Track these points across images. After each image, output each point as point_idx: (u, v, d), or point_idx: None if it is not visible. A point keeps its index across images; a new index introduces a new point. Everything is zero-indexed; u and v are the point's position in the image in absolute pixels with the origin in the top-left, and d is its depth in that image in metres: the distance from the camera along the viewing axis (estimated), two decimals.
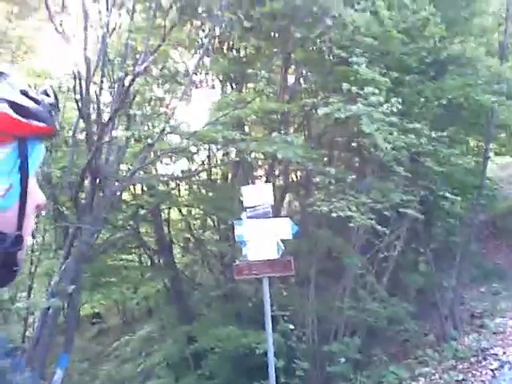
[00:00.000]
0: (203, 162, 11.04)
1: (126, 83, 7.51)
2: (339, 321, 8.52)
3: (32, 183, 0.87)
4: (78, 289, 7.72)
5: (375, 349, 8.59)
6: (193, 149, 9.79)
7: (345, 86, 7.23)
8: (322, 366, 8.47)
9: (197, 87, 10.96)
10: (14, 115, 0.82)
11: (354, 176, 7.75)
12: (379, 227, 7.66)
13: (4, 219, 0.85)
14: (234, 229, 6.76)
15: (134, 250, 11.86)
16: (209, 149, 10.10)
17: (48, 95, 0.91)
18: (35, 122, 0.85)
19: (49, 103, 0.90)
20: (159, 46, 7.51)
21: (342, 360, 8.26)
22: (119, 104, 7.34)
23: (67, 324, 8.39)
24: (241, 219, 6.69)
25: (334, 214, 7.45)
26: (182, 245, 12.34)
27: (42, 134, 0.88)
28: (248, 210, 6.62)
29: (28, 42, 10.63)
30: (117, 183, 7.93)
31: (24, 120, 0.84)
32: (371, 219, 7.60)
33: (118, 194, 8.37)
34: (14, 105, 0.83)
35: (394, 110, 7.00)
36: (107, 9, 7.66)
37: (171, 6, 7.90)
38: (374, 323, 8.38)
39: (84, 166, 7.39)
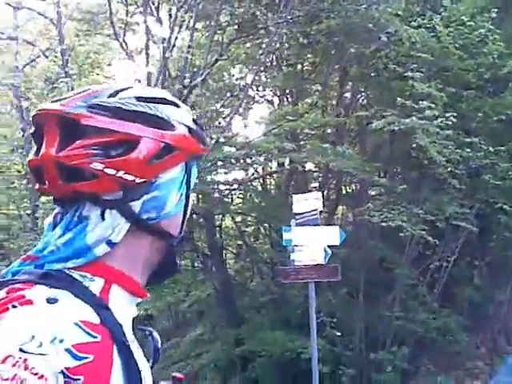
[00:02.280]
0: (256, 170, 11.34)
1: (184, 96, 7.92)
2: (387, 330, 8.58)
3: (191, 196, 1.01)
4: None
5: (423, 359, 8.61)
6: (248, 160, 10.12)
7: (399, 100, 7.40)
8: (367, 373, 8.55)
9: (255, 102, 11.36)
10: (191, 138, 0.97)
11: (404, 186, 7.86)
12: (431, 239, 7.76)
13: (173, 223, 0.98)
14: (282, 235, 6.98)
15: (186, 254, 12.19)
16: (264, 159, 10.40)
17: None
18: (201, 145, 1.00)
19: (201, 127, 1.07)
20: (216, 60, 7.84)
21: (389, 369, 8.33)
22: None
23: None
24: (290, 226, 6.85)
25: (384, 224, 7.59)
26: (234, 251, 12.64)
27: (202, 154, 1.03)
28: (297, 216, 6.75)
29: (94, 58, 11.16)
30: None
31: (196, 142, 0.98)
32: (424, 230, 7.71)
33: None
34: (190, 129, 0.97)
35: (449, 123, 7.11)
36: (169, 26, 8.07)
37: (229, 24, 8.24)
38: (424, 334, 8.41)
39: None
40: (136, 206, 0.91)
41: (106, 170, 0.87)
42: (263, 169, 11.42)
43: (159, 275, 1.01)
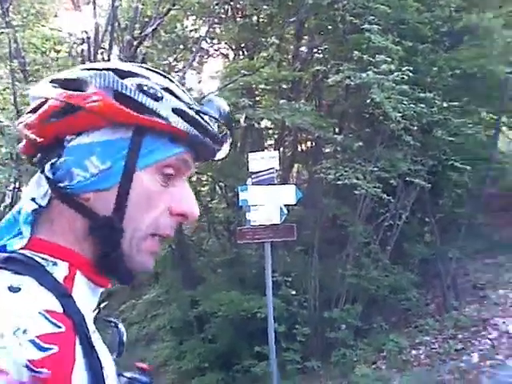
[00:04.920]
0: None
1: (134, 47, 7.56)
2: (341, 288, 8.61)
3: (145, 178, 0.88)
4: None
5: (376, 317, 8.68)
6: None
7: (356, 53, 7.23)
8: (322, 331, 8.59)
9: (209, 56, 10.98)
10: (115, 103, 0.85)
11: (359, 143, 7.76)
12: (385, 196, 7.72)
13: (100, 200, 0.86)
14: (238, 194, 6.84)
15: None
16: None
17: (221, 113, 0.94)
18: (155, 118, 0.86)
19: (211, 116, 0.93)
20: (169, 10, 7.51)
21: (343, 327, 8.38)
22: None
23: None
24: (246, 185, 6.74)
25: (339, 182, 7.52)
26: None
27: (164, 131, 0.87)
28: (253, 176, 6.66)
29: (38, 8, 10.57)
30: None
31: (124, 109, 0.86)
32: (378, 188, 7.65)
33: None
34: (119, 94, 0.86)
35: (405, 78, 6.98)
36: None
37: None
38: (376, 291, 8.48)
39: None
40: (47, 168, 0.86)
41: (24, 131, 0.89)
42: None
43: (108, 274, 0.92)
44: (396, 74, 7.12)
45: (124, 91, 0.86)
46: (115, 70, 0.89)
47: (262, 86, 10.09)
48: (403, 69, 7.17)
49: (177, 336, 10.70)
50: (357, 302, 8.56)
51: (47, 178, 0.86)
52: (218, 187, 11.85)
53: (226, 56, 11.00)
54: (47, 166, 0.86)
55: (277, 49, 9.31)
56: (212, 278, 10.67)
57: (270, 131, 11.24)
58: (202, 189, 11.91)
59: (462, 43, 7.99)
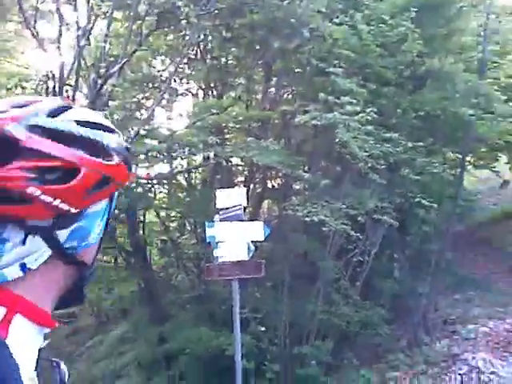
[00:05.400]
0: (180, 164, 11.12)
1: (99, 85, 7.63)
2: (311, 324, 8.64)
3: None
4: None
5: (347, 353, 8.73)
6: (172, 154, 9.89)
7: (322, 95, 7.43)
8: (292, 368, 8.58)
9: (178, 95, 11.11)
10: (124, 167, 0.93)
11: (327, 181, 7.92)
12: (353, 233, 7.85)
13: (90, 253, 0.96)
14: (205, 230, 6.86)
15: (109, 251, 11.83)
16: (188, 153, 10.20)
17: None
18: (133, 172, 0.98)
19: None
20: (135, 50, 7.62)
21: (313, 363, 8.39)
22: (90, 105, 7.43)
23: None
24: (213, 221, 6.75)
25: (307, 219, 7.62)
26: (158, 247, 12.36)
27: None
28: (221, 212, 6.64)
29: (4, 46, 10.52)
30: None
31: (126, 171, 0.95)
32: (346, 224, 7.79)
33: None
34: (123, 158, 0.93)
35: (369, 118, 7.21)
36: (86, 15, 7.77)
37: (147, 13, 8.01)
38: (346, 327, 8.54)
39: None
40: (63, 235, 0.87)
41: (41, 197, 0.82)
42: (188, 163, 11.20)
43: (64, 303, 0.97)
44: (361, 115, 7.34)
45: (129, 162, 0.96)
46: (109, 129, 0.95)
47: (231, 125, 10.24)
48: (368, 110, 7.39)
49: (144, 373, 10.53)
50: (327, 338, 8.61)
51: (55, 241, 0.87)
52: (187, 223, 11.84)
53: (195, 95, 11.15)
54: (65, 232, 0.88)
55: (245, 89, 9.50)
56: (181, 314, 10.58)
57: (240, 168, 11.35)
58: (171, 224, 11.87)
59: (425, 86, 8.29)
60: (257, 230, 6.78)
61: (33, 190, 0.82)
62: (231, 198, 6.76)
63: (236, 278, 6.66)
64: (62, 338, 13.51)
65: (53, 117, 0.88)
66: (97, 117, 0.95)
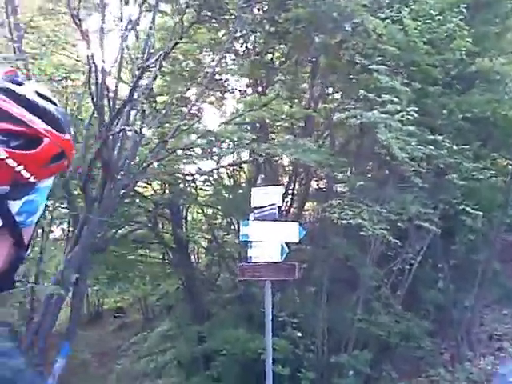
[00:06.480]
0: (218, 161, 11.00)
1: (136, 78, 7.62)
2: (350, 332, 8.32)
3: None
4: (83, 278, 7.79)
5: (386, 365, 8.37)
6: (215, 150, 9.80)
7: (362, 92, 7.09)
8: (329, 377, 8.31)
9: (225, 91, 10.98)
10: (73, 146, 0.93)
11: (363, 183, 7.57)
12: (392, 239, 7.46)
13: (29, 233, 0.92)
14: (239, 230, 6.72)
15: (155, 247, 11.94)
16: (227, 148, 10.03)
17: None
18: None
19: None
20: (176, 43, 7.55)
21: (351, 373, 8.08)
22: (128, 97, 7.42)
23: (71, 313, 8.45)
24: (247, 220, 6.58)
25: (344, 222, 7.32)
26: (204, 245, 12.34)
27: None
28: (256, 211, 6.50)
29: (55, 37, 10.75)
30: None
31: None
32: (386, 230, 7.40)
33: (130, 187, 8.37)
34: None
35: (410, 118, 6.80)
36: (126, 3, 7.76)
37: (187, 6, 7.90)
38: (387, 338, 8.15)
39: (93, 156, 7.48)
40: (15, 205, 0.86)
41: (7, 161, 0.81)
42: (233, 161, 11.10)
43: None
44: (401, 114, 6.94)
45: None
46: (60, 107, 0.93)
47: (276, 123, 10.02)
48: (408, 109, 6.98)
49: (183, 372, 10.55)
50: (366, 348, 8.25)
51: (6, 210, 0.84)
52: (233, 222, 11.74)
53: (239, 91, 10.98)
54: (17, 203, 0.85)
55: (289, 86, 9.24)
56: (221, 314, 10.51)
57: (286, 168, 11.14)
58: (215, 222, 11.79)
59: (474, 87, 7.76)
60: (292, 231, 6.58)
61: (1, 153, 0.81)
62: (267, 196, 6.59)
63: (268, 280, 6.46)
64: (109, 332, 13.85)
65: (19, 85, 0.87)
66: (47, 91, 0.93)
